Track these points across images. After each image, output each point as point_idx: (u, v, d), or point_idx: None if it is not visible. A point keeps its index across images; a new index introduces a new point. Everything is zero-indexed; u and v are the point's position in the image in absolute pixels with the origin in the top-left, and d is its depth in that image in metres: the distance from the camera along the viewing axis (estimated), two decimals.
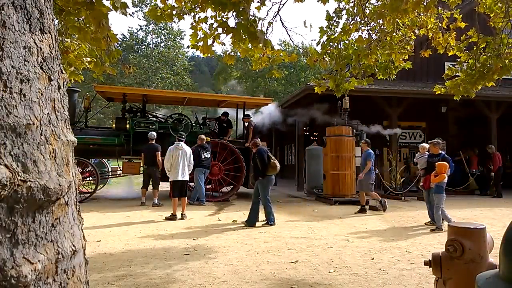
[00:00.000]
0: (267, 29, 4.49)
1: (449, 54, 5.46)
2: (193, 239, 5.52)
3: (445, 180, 6.42)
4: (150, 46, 33.87)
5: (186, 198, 7.50)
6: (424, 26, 5.18)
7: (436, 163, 6.61)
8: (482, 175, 12.44)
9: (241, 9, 3.55)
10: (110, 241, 5.32)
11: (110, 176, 12.20)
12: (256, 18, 3.85)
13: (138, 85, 28.70)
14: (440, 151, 7.05)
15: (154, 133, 9.26)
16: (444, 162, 6.54)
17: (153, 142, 9.16)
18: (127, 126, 9.94)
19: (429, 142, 7.80)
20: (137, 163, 10.33)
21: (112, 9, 3.15)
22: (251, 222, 6.61)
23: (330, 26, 5.21)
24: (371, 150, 8.48)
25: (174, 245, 5.14)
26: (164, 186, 10.91)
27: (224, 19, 4.07)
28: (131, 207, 8.60)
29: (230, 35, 3.80)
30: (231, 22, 3.76)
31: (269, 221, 6.70)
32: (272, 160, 6.70)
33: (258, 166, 6.74)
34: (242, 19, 3.59)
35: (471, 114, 13.59)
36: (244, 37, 3.75)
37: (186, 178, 7.39)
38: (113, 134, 10.09)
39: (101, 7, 3.05)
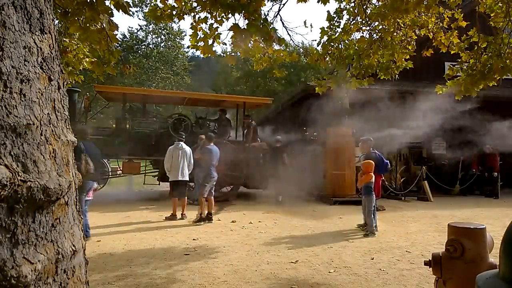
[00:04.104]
0: None
1: (452, 52, 5.45)
2: (193, 239, 5.52)
3: (372, 180, 6.06)
4: (150, 46, 33.83)
5: (186, 198, 7.50)
6: (425, 26, 5.17)
7: (362, 162, 6.31)
8: (482, 176, 12.42)
9: (252, 10, 3.56)
10: (110, 241, 5.32)
11: (110, 176, 12.18)
12: (267, 17, 3.87)
13: (138, 85, 28.65)
14: (372, 150, 6.59)
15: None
16: (369, 161, 6.19)
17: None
18: (127, 126, 9.94)
19: (361, 138, 7.15)
20: (137, 163, 10.31)
21: (114, 8, 3.16)
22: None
23: (331, 26, 5.20)
24: (210, 146, 7.02)
25: (174, 245, 5.15)
26: (164, 186, 10.91)
27: (224, 20, 4.07)
28: (131, 207, 8.59)
29: (231, 34, 3.81)
30: (231, 22, 3.77)
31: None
32: (83, 160, 5.05)
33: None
34: (254, 19, 3.60)
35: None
36: (256, 38, 3.76)
37: (186, 178, 7.39)
38: (113, 134, 10.09)
39: (102, 7, 3.05)
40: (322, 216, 7.80)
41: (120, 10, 3.27)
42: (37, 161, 0.96)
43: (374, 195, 6.09)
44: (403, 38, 5.31)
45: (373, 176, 6.09)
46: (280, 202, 9.59)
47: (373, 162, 6.18)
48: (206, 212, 6.97)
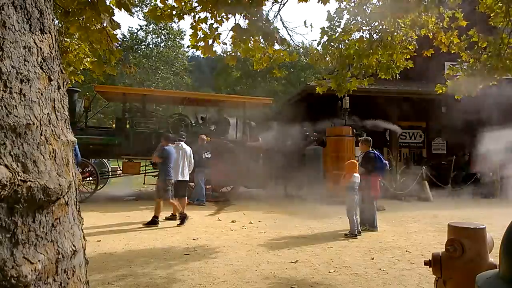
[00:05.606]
0: None
1: (452, 52, 5.46)
2: (193, 239, 5.52)
3: (354, 180, 5.97)
4: (150, 46, 33.81)
5: (186, 198, 7.50)
6: (425, 26, 5.17)
7: (346, 163, 6.28)
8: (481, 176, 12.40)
9: (253, 11, 3.57)
10: (110, 241, 5.32)
11: (110, 176, 12.18)
12: (269, 17, 3.88)
13: (138, 85, 28.63)
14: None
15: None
16: (352, 161, 6.18)
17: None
18: (127, 126, 9.94)
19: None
20: (137, 163, 10.31)
21: (116, 7, 3.17)
22: None
23: (331, 26, 5.21)
24: (168, 146, 6.80)
25: (174, 245, 5.15)
26: None
27: (224, 20, 4.07)
28: (131, 207, 8.59)
29: (231, 34, 3.81)
30: (231, 23, 3.78)
31: None
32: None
33: None
34: (256, 20, 3.60)
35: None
36: (257, 37, 3.77)
37: (186, 178, 7.39)
38: (113, 134, 10.09)
39: (103, 6, 3.05)
40: (322, 216, 7.80)
41: (122, 9, 3.27)
42: (37, 161, 0.96)
43: (356, 195, 6.04)
44: (403, 38, 5.31)
45: (356, 175, 6.04)
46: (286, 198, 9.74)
47: (355, 162, 6.17)
48: (177, 213, 6.78)
